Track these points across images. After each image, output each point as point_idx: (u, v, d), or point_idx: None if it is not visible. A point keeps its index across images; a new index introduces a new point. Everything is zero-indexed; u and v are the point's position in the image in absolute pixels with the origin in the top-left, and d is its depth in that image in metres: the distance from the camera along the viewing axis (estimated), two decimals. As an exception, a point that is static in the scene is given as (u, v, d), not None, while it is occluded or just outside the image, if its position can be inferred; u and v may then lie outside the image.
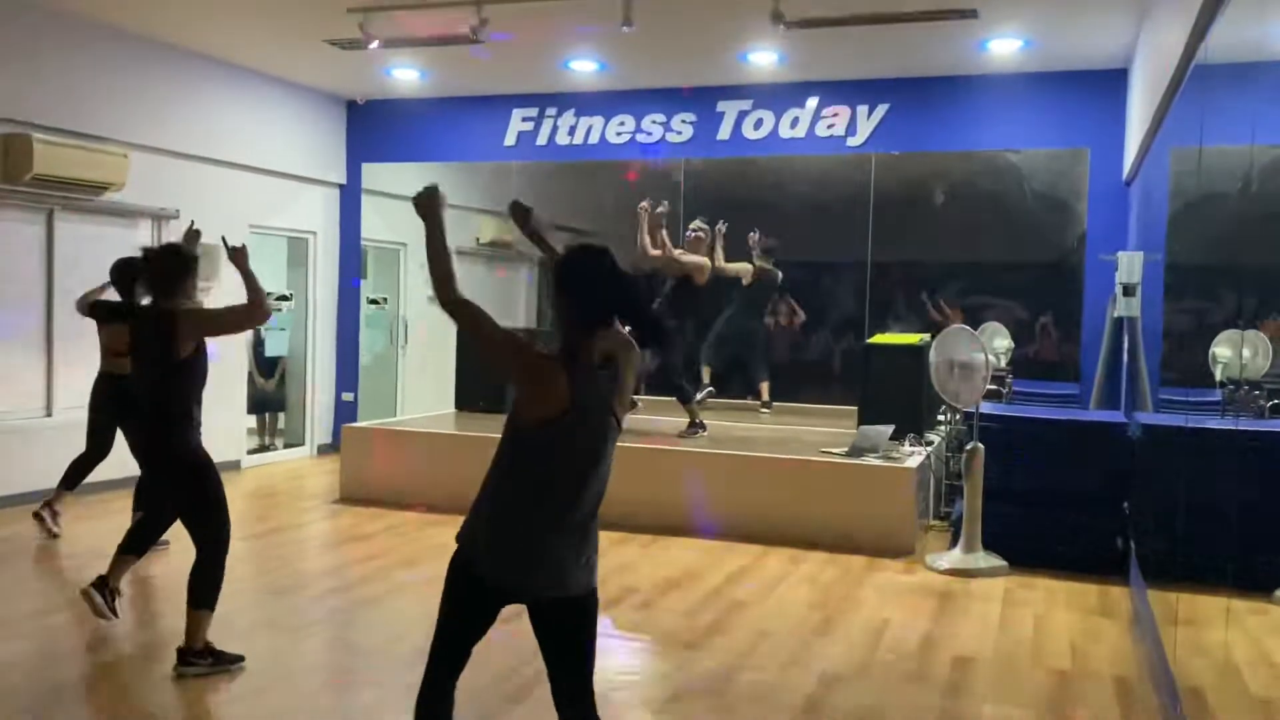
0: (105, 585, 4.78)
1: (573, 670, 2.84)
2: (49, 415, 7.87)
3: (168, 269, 4.53)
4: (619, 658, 4.83)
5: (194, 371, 4.47)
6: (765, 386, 10.04)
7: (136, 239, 8.65)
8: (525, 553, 2.78)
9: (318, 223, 10.81)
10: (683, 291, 8.47)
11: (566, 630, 2.84)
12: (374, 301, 11.63)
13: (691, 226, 8.93)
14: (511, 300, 12.52)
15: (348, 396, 11.03)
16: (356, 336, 11.15)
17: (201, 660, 4.42)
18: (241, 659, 4.52)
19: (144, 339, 4.52)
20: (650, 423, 8.47)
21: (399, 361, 11.71)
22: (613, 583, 6.06)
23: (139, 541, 4.92)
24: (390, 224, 11.33)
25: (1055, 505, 6.65)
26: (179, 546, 5.49)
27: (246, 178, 9.79)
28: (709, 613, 5.56)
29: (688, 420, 8.24)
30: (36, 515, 6.72)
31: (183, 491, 4.51)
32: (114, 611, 4.80)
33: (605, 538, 6.95)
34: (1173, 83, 5.34)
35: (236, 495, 8.72)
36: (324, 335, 10.96)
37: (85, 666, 4.68)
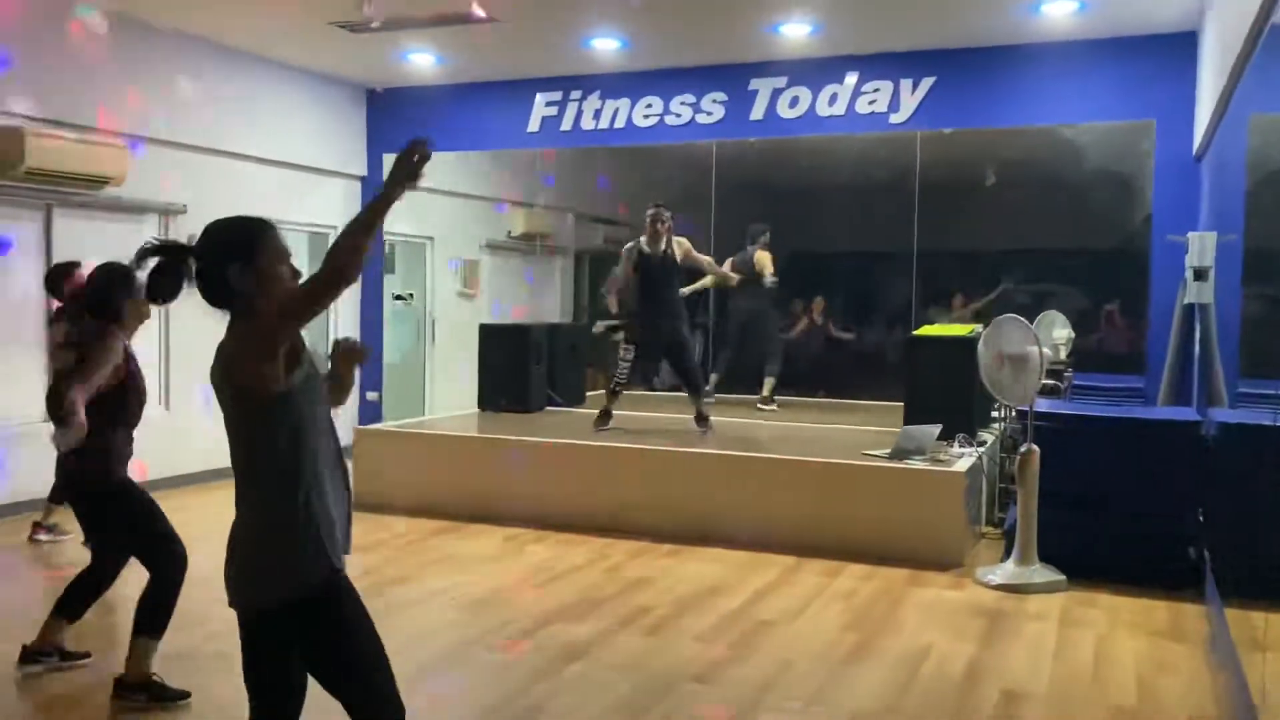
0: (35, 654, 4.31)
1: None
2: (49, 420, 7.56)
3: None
4: (610, 695, 4.31)
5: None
6: (769, 382, 9.47)
7: (143, 235, 8.34)
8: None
9: (338, 217, 10.40)
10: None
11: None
12: (400, 297, 11.26)
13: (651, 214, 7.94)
14: (545, 293, 12.09)
15: (372, 396, 10.66)
16: (381, 334, 10.77)
17: (135, 696, 4.01)
18: (187, 695, 4.09)
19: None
20: (673, 421, 7.97)
21: (427, 359, 11.33)
22: (623, 601, 5.56)
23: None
24: (416, 217, 10.93)
25: (1119, 513, 6.01)
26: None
27: (261, 170, 9.43)
28: (727, 637, 5.02)
29: (696, 415, 7.86)
30: (32, 540, 6.42)
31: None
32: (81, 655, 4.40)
33: (621, 548, 6.62)
34: (1248, 44, 4.73)
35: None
36: (347, 331, 10.59)
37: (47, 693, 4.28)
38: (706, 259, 8.34)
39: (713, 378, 9.79)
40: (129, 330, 4.27)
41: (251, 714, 2.56)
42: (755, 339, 9.61)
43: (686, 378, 7.95)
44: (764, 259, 9.25)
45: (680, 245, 7.92)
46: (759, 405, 9.38)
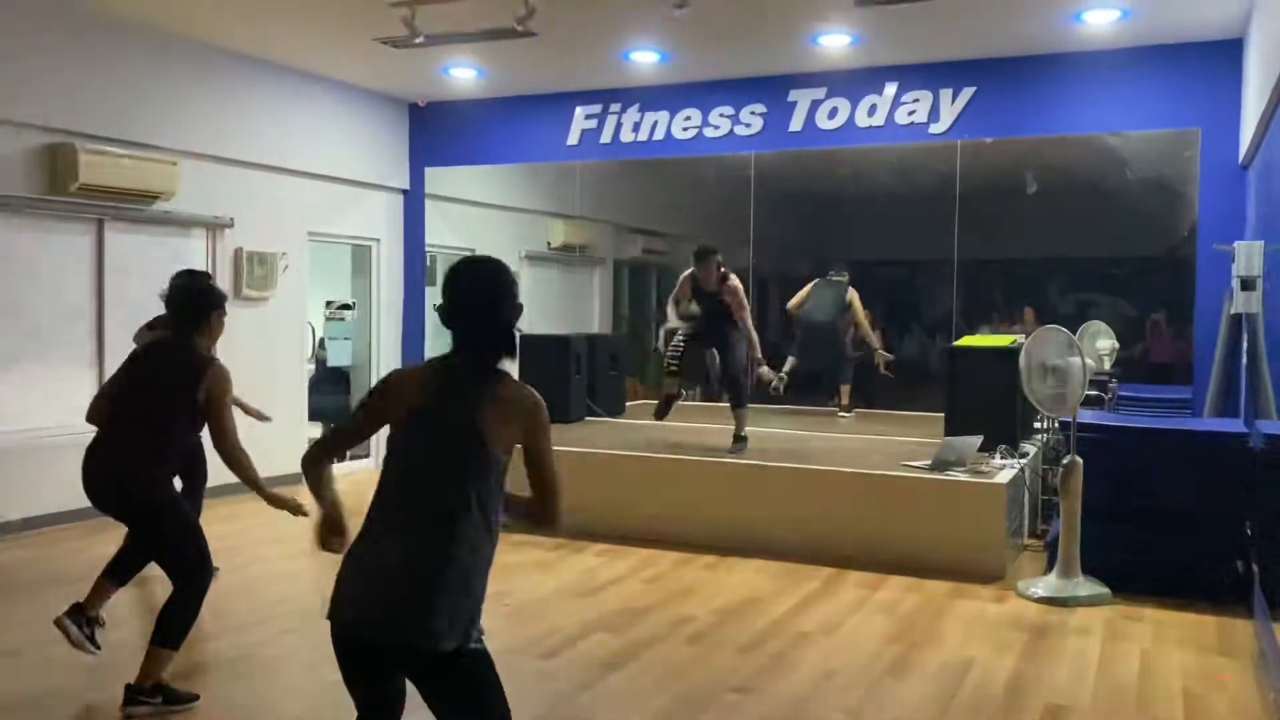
0: (82, 614, 4.44)
1: None
2: (100, 430, 7.72)
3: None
4: (652, 704, 4.33)
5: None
6: (846, 390, 9.54)
7: (191, 249, 8.50)
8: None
9: (380, 229, 10.56)
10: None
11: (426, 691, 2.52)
12: (440, 308, 11.35)
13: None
14: (584, 304, 12.14)
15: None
16: (423, 344, 10.88)
17: (151, 699, 4.07)
18: (196, 698, 4.18)
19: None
20: (703, 433, 7.95)
21: (468, 370, 11.41)
22: (666, 611, 5.59)
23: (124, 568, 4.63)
24: (456, 230, 11.04)
25: (1165, 525, 5.93)
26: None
27: (305, 184, 9.58)
28: (769, 648, 5.03)
29: (736, 431, 7.63)
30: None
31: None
32: (94, 643, 4.45)
33: (663, 558, 6.63)
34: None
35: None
36: (389, 344, 10.71)
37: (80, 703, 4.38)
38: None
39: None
40: (212, 341, 4.35)
41: None
42: (821, 351, 9.58)
43: (728, 383, 7.85)
44: (858, 305, 9.36)
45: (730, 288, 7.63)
46: (840, 414, 9.47)
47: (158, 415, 4.17)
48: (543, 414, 2.61)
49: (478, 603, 2.51)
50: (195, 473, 5.90)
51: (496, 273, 2.65)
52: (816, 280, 9.58)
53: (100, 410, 4.38)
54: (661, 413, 7.95)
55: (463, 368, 2.59)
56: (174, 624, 4.08)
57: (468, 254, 2.64)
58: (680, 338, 7.79)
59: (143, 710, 4.06)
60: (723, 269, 7.54)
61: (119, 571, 4.64)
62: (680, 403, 8.25)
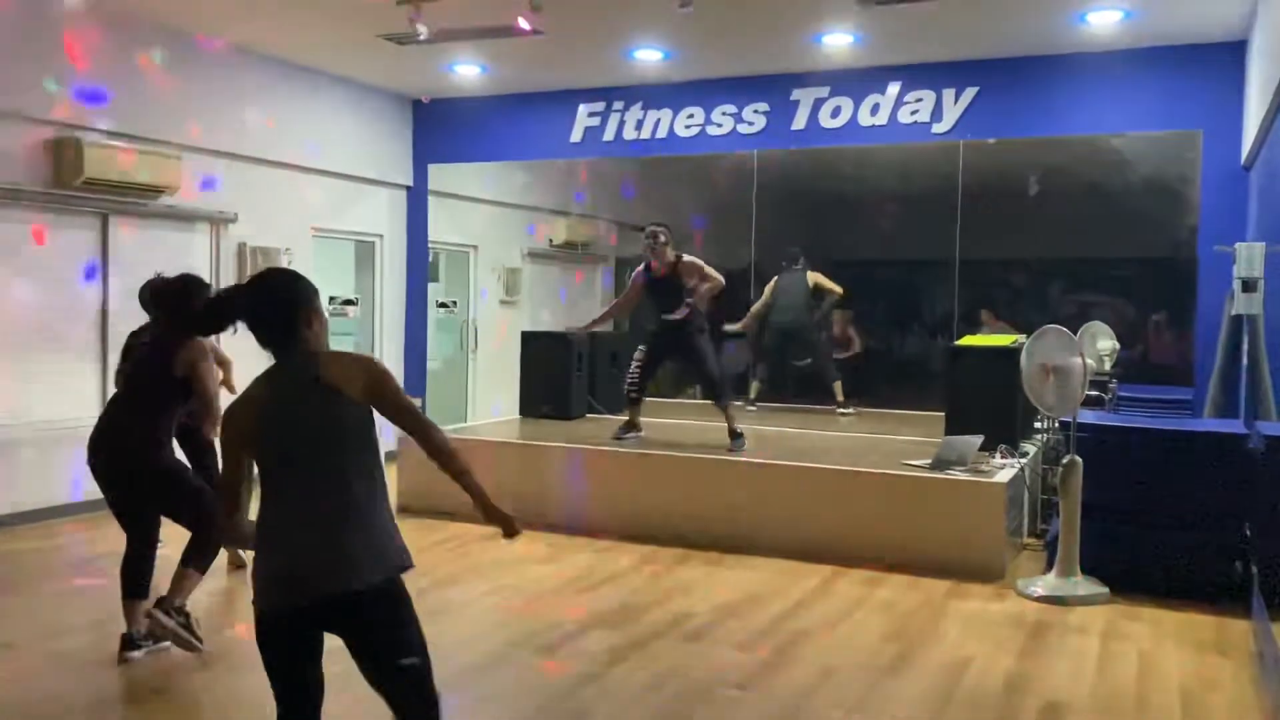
0: (167, 602, 4.60)
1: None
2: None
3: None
4: (653, 700, 4.35)
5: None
6: (838, 386, 9.53)
7: (195, 243, 8.53)
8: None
9: (384, 225, 10.59)
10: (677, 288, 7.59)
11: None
12: (443, 305, 11.38)
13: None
14: (587, 301, 12.16)
15: (415, 401, 10.78)
16: (425, 341, 10.90)
17: (178, 615, 4.50)
18: (201, 644, 4.58)
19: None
20: (700, 430, 7.96)
21: (469, 366, 11.44)
22: (665, 608, 5.61)
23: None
24: (459, 226, 11.07)
25: (1163, 525, 5.95)
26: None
27: (309, 180, 9.60)
28: (768, 645, 5.05)
29: (729, 432, 7.52)
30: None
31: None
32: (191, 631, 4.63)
33: (662, 555, 6.65)
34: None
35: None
36: (391, 340, 10.74)
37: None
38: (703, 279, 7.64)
39: (753, 386, 9.83)
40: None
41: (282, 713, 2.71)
42: (801, 350, 9.63)
43: (706, 387, 7.80)
44: (823, 282, 9.45)
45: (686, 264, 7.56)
46: (839, 413, 9.43)
47: (143, 389, 4.68)
48: (376, 363, 2.84)
49: (386, 534, 2.71)
50: (203, 459, 5.94)
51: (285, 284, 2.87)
52: (775, 278, 9.59)
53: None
54: (620, 435, 7.81)
55: (281, 364, 2.80)
56: (198, 549, 4.57)
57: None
58: (637, 361, 7.76)
59: (167, 622, 4.48)
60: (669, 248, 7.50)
61: (135, 588, 4.71)
62: (682, 400, 8.27)
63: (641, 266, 7.73)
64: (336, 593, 2.60)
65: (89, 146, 7.38)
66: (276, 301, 2.79)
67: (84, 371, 7.67)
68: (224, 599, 5.71)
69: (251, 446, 2.72)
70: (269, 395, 2.73)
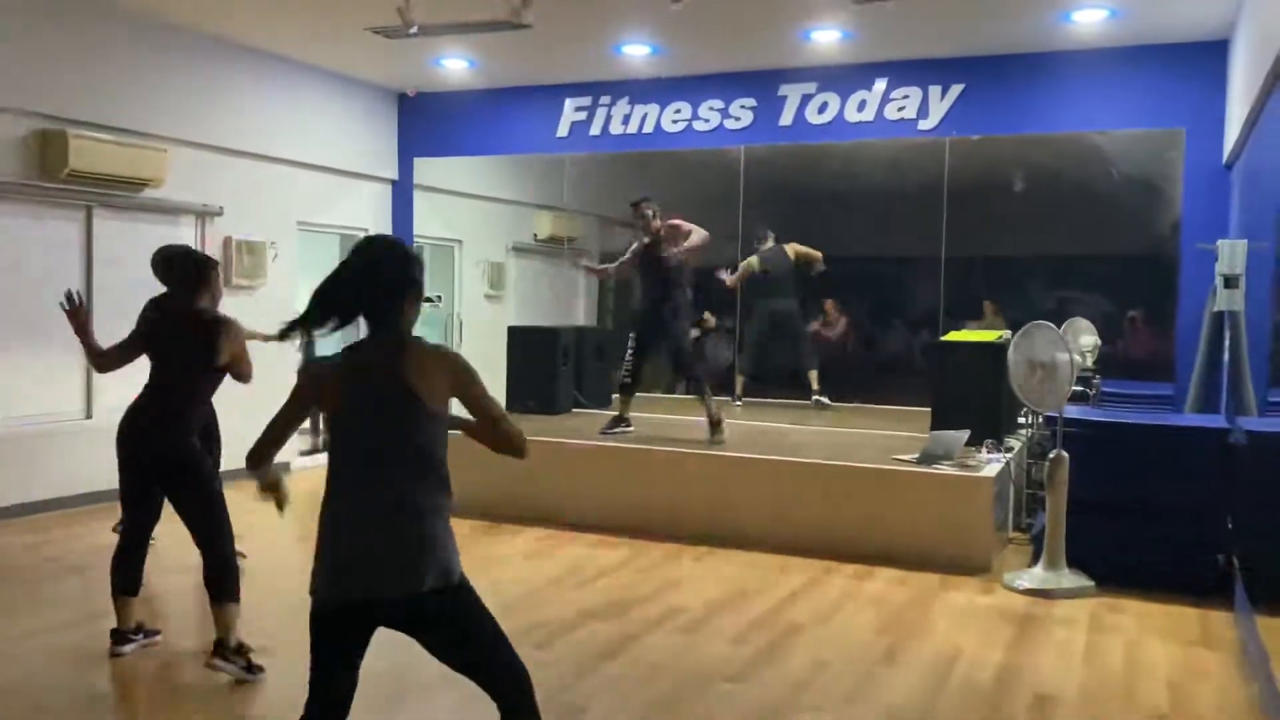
0: (225, 647, 4.40)
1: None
2: (89, 418, 7.69)
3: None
4: (647, 693, 4.38)
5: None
6: (814, 375, 9.52)
7: (180, 237, 8.46)
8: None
9: (369, 220, 10.54)
10: (658, 269, 7.60)
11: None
12: (428, 299, 11.32)
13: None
14: (570, 296, 12.17)
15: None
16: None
17: (236, 660, 4.35)
18: (261, 669, 4.40)
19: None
20: (691, 426, 7.98)
21: (454, 361, 11.40)
22: (658, 602, 5.64)
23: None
24: (445, 220, 11.04)
25: (1148, 519, 6.02)
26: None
27: (295, 174, 9.56)
28: (761, 638, 5.09)
29: (708, 421, 7.53)
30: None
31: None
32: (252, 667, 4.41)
33: (653, 550, 6.67)
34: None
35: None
36: (376, 334, 10.68)
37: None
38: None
39: (739, 382, 9.85)
40: (216, 299, 4.76)
41: (306, 711, 2.70)
42: (781, 338, 9.65)
43: (683, 376, 7.82)
44: (803, 250, 9.39)
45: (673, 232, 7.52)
46: (815, 399, 9.43)
47: (185, 378, 4.50)
48: (461, 360, 2.78)
49: (445, 545, 2.70)
50: (209, 439, 5.90)
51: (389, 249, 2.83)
52: (752, 257, 9.50)
53: (109, 360, 4.59)
54: (608, 429, 7.80)
55: (372, 344, 2.73)
56: (226, 577, 4.37)
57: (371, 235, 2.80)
58: (630, 350, 7.78)
59: (229, 668, 4.31)
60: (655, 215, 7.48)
61: (128, 587, 4.65)
62: (670, 396, 8.28)
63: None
64: (396, 596, 2.61)
65: (74, 139, 7.33)
66: (392, 275, 2.72)
67: (68, 366, 7.60)
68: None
69: (327, 418, 2.73)
70: (354, 380, 2.69)
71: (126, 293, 7.18)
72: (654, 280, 7.61)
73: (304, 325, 2.71)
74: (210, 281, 4.64)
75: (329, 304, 2.70)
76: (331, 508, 2.69)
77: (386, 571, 2.60)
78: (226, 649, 4.34)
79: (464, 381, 2.72)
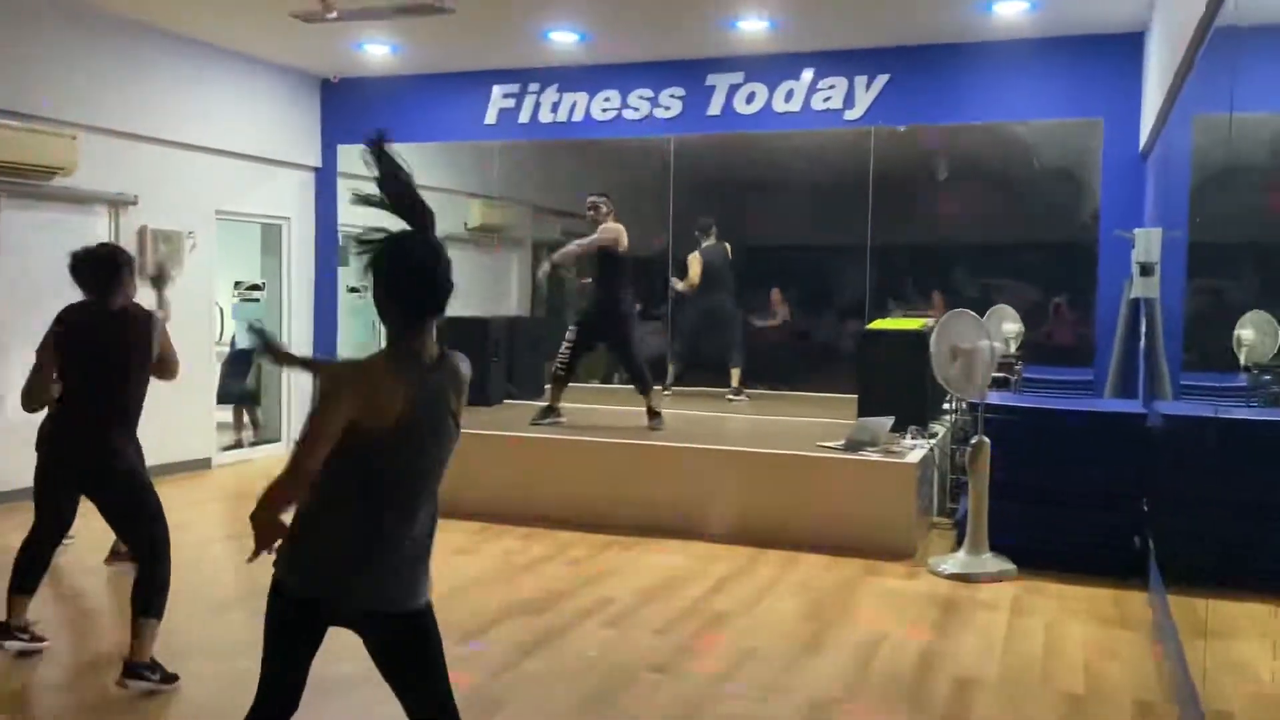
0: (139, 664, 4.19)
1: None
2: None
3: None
4: (572, 686, 4.35)
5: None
6: (736, 373, 9.53)
7: (93, 226, 8.21)
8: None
9: (291, 208, 10.33)
10: (609, 265, 7.69)
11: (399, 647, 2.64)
12: (355, 290, 11.16)
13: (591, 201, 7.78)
14: (502, 285, 12.06)
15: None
16: (335, 326, 10.69)
17: (150, 675, 4.12)
18: (177, 678, 4.18)
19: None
20: (622, 415, 7.97)
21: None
22: (586, 593, 5.62)
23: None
24: (371, 209, 10.84)
25: (1067, 503, 6.16)
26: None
27: (213, 161, 9.31)
28: (687, 628, 5.09)
29: (647, 412, 7.63)
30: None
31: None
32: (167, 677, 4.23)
33: (583, 541, 6.65)
34: (1193, 46, 4.85)
35: (208, 496, 8.36)
36: (300, 326, 10.49)
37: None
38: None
39: (670, 370, 9.86)
40: (129, 297, 4.52)
41: (258, 707, 2.62)
42: (715, 331, 9.67)
43: (633, 377, 7.83)
44: (692, 261, 9.44)
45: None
46: (729, 398, 9.41)
47: (123, 379, 4.28)
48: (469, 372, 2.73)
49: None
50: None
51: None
52: (696, 252, 9.50)
53: (47, 391, 4.31)
54: (539, 420, 7.80)
55: (429, 355, 2.56)
56: (154, 592, 4.17)
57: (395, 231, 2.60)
58: (568, 341, 7.76)
59: (142, 685, 4.10)
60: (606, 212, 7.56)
61: (26, 584, 4.50)
62: (601, 386, 8.26)
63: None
64: (399, 611, 2.57)
65: (-23, 125, 7.06)
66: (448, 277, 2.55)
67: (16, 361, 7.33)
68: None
69: (377, 424, 2.44)
70: (424, 392, 2.51)
71: (36, 286, 6.98)
72: (607, 276, 7.66)
73: (437, 311, 2.52)
74: (125, 280, 4.44)
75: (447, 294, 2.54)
76: (373, 519, 2.51)
77: (404, 587, 2.57)
78: (140, 668, 4.12)
79: (465, 392, 2.68)
